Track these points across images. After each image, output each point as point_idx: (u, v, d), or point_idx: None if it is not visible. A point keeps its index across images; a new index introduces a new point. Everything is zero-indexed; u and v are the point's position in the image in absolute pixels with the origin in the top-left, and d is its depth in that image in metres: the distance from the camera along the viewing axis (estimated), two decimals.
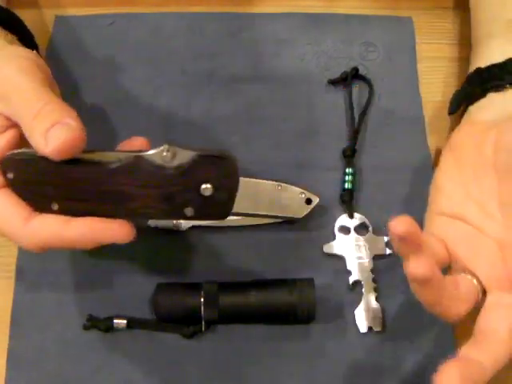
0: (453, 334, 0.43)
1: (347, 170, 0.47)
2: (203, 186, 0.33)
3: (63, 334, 0.42)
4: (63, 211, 0.34)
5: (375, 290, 0.44)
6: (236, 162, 0.33)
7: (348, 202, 0.46)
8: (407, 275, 0.33)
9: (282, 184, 0.44)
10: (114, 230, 0.34)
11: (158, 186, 0.33)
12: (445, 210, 0.39)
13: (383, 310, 0.43)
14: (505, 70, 0.42)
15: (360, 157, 0.48)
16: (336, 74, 0.51)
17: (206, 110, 0.49)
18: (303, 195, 0.44)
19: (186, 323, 0.42)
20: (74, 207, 0.34)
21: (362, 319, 0.43)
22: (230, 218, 0.43)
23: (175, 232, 0.44)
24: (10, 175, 0.34)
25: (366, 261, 0.44)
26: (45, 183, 0.34)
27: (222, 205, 0.34)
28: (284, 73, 0.51)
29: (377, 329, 0.43)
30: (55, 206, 0.34)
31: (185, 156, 0.32)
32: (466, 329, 0.44)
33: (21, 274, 0.44)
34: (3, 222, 0.34)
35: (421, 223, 0.46)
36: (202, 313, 0.41)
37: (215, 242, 0.45)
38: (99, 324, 0.42)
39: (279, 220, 0.45)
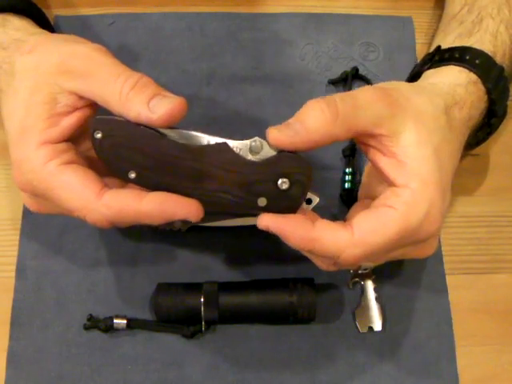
0: (453, 334, 0.43)
1: (347, 170, 0.47)
2: (280, 180, 0.35)
3: (63, 333, 0.42)
4: (139, 181, 0.35)
5: (375, 289, 0.44)
6: (311, 166, 0.36)
7: (348, 202, 0.46)
8: None
9: None
10: (187, 208, 0.35)
11: (240, 172, 0.35)
12: None
13: (383, 310, 0.43)
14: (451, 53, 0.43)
15: (360, 157, 0.48)
16: (336, 74, 0.51)
17: (206, 110, 0.49)
18: None
19: (186, 323, 0.42)
20: (150, 179, 0.35)
21: (362, 319, 0.43)
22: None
23: (175, 232, 0.44)
24: (99, 135, 0.35)
25: None
26: (130, 149, 0.35)
27: (293, 200, 0.36)
28: (284, 73, 0.51)
29: (377, 329, 0.43)
30: (132, 175, 0.35)
31: (270, 150, 0.35)
32: (465, 329, 0.45)
33: (21, 273, 0.44)
34: (74, 195, 0.35)
35: None
36: (202, 313, 0.41)
37: (215, 242, 0.45)
38: (99, 324, 0.42)
39: None
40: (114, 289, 0.44)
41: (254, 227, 0.45)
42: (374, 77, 0.51)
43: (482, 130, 0.44)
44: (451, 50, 0.43)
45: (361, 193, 0.43)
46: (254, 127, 0.49)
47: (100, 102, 0.35)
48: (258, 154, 0.35)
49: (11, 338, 0.42)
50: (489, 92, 0.42)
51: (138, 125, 0.34)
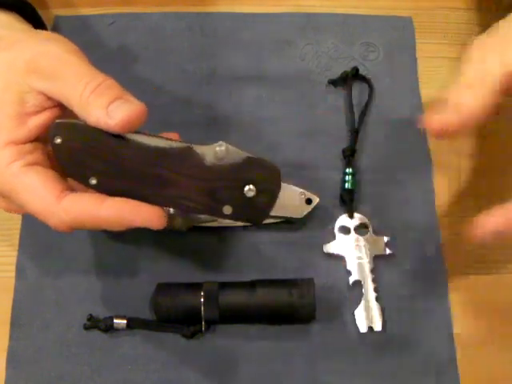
0: (453, 334, 0.43)
1: (347, 170, 0.47)
2: (247, 187, 0.34)
3: (63, 333, 0.42)
4: (100, 187, 0.34)
5: (375, 290, 0.44)
6: (280, 172, 0.34)
7: (348, 201, 0.46)
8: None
9: (282, 184, 0.43)
10: (147, 215, 0.34)
11: (204, 178, 0.33)
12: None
13: (383, 310, 0.43)
14: None
15: (360, 157, 0.48)
16: (336, 74, 0.51)
17: (205, 110, 0.49)
18: (303, 195, 0.44)
19: (186, 323, 0.42)
20: (112, 184, 0.34)
21: (362, 319, 0.43)
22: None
23: (175, 232, 0.44)
24: (58, 140, 0.34)
25: (366, 261, 0.44)
26: (90, 155, 0.34)
27: (260, 209, 0.34)
28: (284, 73, 0.51)
29: (377, 329, 0.43)
30: (93, 181, 0.34)
31: (236, 155, 0.33)
32: (466, 329, 0.44)
33: (21, 273, 0.44)
34: (35, 198, 0.34)
35: (415, 226, 0.46)
36: (202, 313, 0.41)
37: (215, 242, 0.45)
38: (99, 324, 0.42)
39: (279, 220, 0.45)
40: (114, 289, 0.44)
41: (253, 227, 0.45)
42: (374, 77, 0.51)
43: None
44: None
45: None
46: (254, 127, 0.49)
47: (66, 105, 0.34)
48: (223, 160, 0.33)
49: (11, 338, 0.42)
50: None
51: (99, 129, 0.33)
